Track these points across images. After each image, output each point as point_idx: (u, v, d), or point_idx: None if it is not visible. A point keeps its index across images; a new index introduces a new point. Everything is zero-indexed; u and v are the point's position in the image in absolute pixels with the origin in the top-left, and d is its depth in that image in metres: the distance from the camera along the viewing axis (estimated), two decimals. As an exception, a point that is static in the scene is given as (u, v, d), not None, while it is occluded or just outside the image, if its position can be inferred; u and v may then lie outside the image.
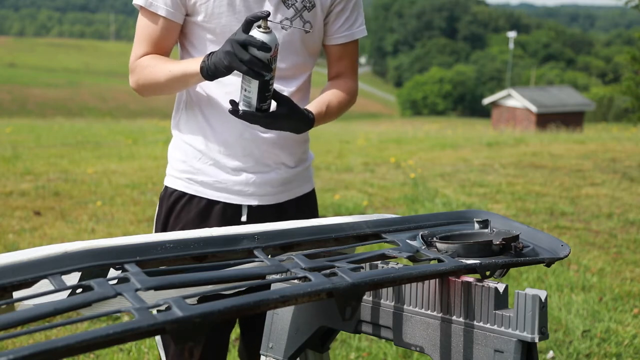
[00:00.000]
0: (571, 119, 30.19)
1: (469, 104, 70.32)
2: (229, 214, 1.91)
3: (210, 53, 1.70)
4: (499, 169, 9.15)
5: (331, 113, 1.92)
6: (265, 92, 1.65)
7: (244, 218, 1.92)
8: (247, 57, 1.58)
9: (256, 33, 1.60)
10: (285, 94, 1.85)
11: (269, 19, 1.61)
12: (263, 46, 1.58)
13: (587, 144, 12.58)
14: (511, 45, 63.29)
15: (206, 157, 1.90)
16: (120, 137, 13.37)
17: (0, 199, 6.73)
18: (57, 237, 5.37)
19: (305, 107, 1.83)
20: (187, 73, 1.76)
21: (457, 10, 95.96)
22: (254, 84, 1.64)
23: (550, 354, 3.40)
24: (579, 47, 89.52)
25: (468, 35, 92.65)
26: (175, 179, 1.95)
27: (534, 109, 31.71)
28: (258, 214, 1.92)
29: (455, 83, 70.70)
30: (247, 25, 1.60)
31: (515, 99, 33.05)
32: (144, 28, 1.87)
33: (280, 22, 1.86)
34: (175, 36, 1.89)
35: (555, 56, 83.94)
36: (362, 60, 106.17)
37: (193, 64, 1.74)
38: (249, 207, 1.92)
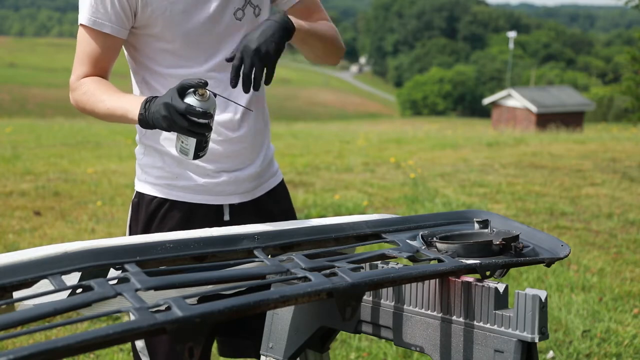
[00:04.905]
0: (571, 119, 30.16)
1: (469, 104, 70.29)
2: (212, 215, 1.92)
3: (149, 100, 1.63)
4: (499, 169, 9.14)
5: (315, 28, 1.84)
6: (203, 143, 1.61)
7: (226, 217, 1.93)
8: (185, 124, 1.54)
9: (194, 101, 1.54)
10: None
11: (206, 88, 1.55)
12: (204, 114, 1.54)
13: (587, 144, 12.57)
14: (511, 45, 63.15)
15: (186, 161, 1.88)
16: (120, 137, 13.35)
17: (0, 199, 6.73)
18: (57, 237, 5.37)
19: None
20: (126, 117, 1.70)
21: (457, 10, 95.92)
22: (192, 140, 1.60)
23: (550, 354, 3.39)
24: (579, 47, 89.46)
25: (468, 35, 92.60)
26: (153, 186, 1.93)
27: (534, 109, 31.69)
28: (239, 211, 1.94)
29: (455, 83, 70.68)
30: (182, 90, 1.56)
31: (515, 99, 33.03)
32: (85, 46, 1.81)
33: (234, 12, 1.83)
34: (117, 53, 1.85)
35: (555, 56, 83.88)
36: (362, 60, 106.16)
37: (131, 110, 1.68)
38: (230, 205, 1.94)
